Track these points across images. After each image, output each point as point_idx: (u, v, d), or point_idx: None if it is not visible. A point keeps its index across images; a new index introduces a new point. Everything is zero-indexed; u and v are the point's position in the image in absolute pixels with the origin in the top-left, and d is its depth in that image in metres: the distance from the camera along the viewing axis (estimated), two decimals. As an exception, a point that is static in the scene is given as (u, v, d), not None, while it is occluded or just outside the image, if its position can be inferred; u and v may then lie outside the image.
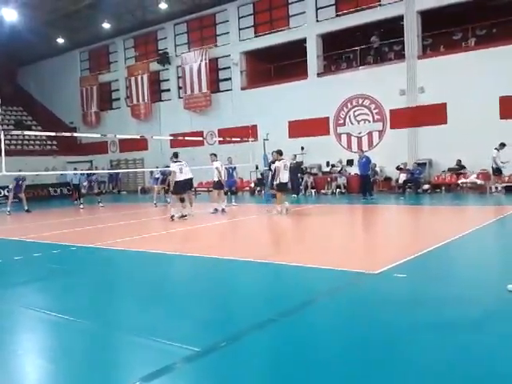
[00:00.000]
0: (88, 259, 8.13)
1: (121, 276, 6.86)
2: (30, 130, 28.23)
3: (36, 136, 29.57)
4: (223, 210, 14.04)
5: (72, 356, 3.82)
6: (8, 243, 10.49)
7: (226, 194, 15.24)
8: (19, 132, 22.57)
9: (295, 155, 14.08)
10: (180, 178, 12.55)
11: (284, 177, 12.94)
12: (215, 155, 14.52)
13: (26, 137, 29.24)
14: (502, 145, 15.69)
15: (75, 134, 26.35)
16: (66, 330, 4.43)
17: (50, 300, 5.61)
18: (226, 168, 15.19)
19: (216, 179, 14.27)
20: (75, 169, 21.67)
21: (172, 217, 12.36)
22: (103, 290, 5.91)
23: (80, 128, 30.88)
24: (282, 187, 13.03)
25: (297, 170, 18.18)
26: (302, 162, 19.97)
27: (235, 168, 16.74)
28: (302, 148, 21.49)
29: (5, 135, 10.79)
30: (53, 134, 19.76)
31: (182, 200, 12.75)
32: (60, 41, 29.46)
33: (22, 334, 4.45)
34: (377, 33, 21.34)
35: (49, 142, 30.88)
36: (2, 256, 9.15)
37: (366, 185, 17.09)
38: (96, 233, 11.42)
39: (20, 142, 29.29)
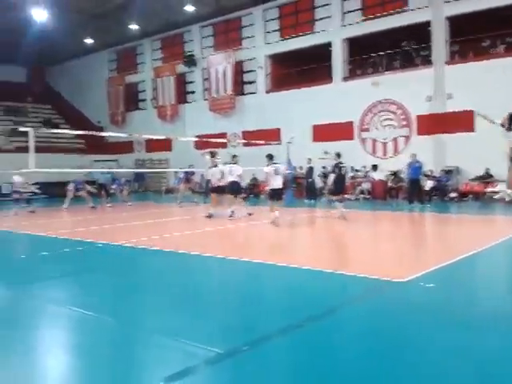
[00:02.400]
0: (115, 257, 8.22)
1: (147, 275, 6.88)
2: (59, 128, 28.72)
3: (64, 134, 30.05)
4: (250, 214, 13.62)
5: (96, 353, 3.85)
6: (36, 238, 10.71)
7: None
8: (48, 130, 22.97)
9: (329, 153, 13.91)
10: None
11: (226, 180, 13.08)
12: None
13: (54, 135, 29.75)
14: None
15: (102, 133, 26.70)
16: (90, 327, 4.46)
17: (75, 296, 5.66)
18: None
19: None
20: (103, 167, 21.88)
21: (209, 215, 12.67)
22: (129, 289, 5.95)
23: (107, 127, 31.31)
24: (216, 190, 13.34)
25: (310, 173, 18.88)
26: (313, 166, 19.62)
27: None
28: (326, 152, 21.32)
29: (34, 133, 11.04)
30: (81, 132, 20.08)
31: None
32: (88, 41, 29.98)
33: (46, 330, 4.52)
34: (406, 38, 21.07)
35: (76, 141, 31.44)
36: (29, 252, 9.36)
37: (415, 190, 16.20)
38: (123, 230, 11.54)
39: (48, 139, 29.81)
